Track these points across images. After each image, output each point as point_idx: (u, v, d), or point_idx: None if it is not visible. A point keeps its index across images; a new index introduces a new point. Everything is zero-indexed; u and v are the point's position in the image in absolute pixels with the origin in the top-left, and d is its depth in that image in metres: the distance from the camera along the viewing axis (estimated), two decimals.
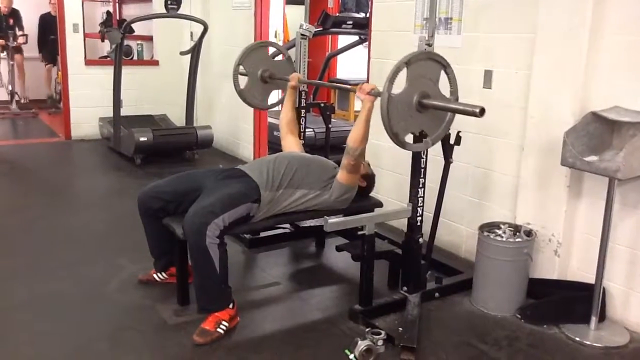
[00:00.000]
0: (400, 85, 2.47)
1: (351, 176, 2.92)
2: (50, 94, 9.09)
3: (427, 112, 2.54)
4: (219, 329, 2.61)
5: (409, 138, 2.63)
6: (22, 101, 8.82)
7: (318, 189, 2.93)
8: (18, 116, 8.40)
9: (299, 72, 3.82)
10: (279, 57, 4.09)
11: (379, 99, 2.52)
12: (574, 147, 2.59)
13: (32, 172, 5.65)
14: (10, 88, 8.56)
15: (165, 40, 7.19)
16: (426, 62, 2.53)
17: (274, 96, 4.07)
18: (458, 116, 3.46)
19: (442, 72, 2.62)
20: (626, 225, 2.77)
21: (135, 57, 7.67)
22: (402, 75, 2.46)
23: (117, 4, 9.13)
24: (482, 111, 2.35)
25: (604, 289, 2.76)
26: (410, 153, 2.79)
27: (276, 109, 4.22)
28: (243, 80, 3.68)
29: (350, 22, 6.29)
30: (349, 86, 3.15)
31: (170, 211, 2.88)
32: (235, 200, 2.69)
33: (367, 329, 2.59)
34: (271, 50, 4.51)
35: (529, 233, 2.98)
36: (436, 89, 2.57)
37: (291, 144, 3.38)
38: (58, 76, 8.18)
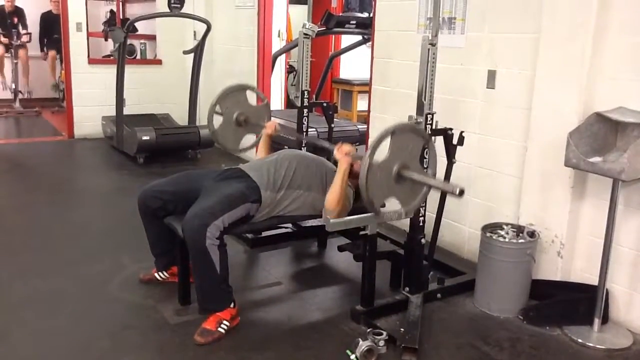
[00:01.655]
0: (381, 153, 2.44)
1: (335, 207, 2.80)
2: (56, 83, 9.06)
3: (404, 184, 2.51)
4: (220, 329, 2.60)
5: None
6: (26, 96, 8.82)
7: (318, 191, 2.92)
8: (21, 114, 8.41)
9: (302, 72, 3.81)
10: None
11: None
12: (578, 148, 2.58)
13: (35, 171, 5.66)
14: (14, 86, 8.57)
15: (168, 40, 7.19)
16: (409, 135, 2.52)
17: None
18: (462, 114, 3.48)
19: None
20: (630, 226, 2.76)
21: (138, 56, 7.67)
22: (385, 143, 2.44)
23: (120, 3, 9.12)
24: (462, 192, 2.35)
25: (607, 290, 2.75)
26: None
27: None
28: (217, 121, 3.50)
29: (354, 22, 6.27)
30: (327, 144, 3.08)
31: (170, 210, 2.87)
32: (235, 201, 2.69)
33: (369, 330, 2.59)
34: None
35: (532, 234, 2.96)
36: (416, 163, 2.56)
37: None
38: (61, 74, 8.19)
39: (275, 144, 3.48)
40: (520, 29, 3.17)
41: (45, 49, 8.95)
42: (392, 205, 2.57)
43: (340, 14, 7.39)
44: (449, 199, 3.01)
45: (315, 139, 3.18)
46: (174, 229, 2.79)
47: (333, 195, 2.73)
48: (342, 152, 2.73)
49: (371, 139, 2.83)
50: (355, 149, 2.77)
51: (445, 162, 2.91)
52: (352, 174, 2.94)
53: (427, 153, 2.66)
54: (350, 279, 3.30)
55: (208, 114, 3.42)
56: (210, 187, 2.81)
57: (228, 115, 3.47)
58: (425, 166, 2.68)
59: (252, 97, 3.65)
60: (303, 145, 3.86)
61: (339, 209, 2.74)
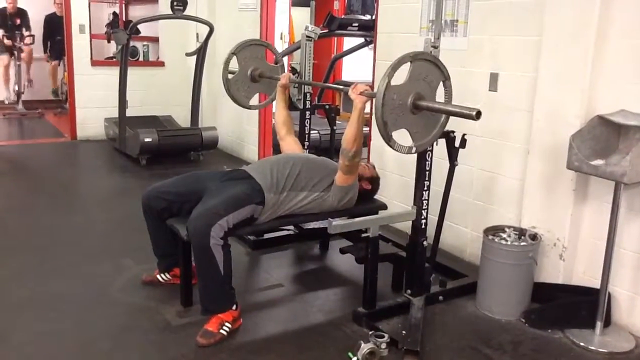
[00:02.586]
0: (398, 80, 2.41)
1: (348, 177, 2.90)
2: (56, 89, 9.10)
3: (419, 115, 2.46)
4: (222, 331, 2.61)
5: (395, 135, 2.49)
6: (29, 86, 8.83)
7: (322, 191, 2.92)
8: (24, 116, 8.43)
9: (304, 74, 3.82)
10: None
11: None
12: (580, 151, 2.58)
13: (38, 172, 5.68)
14: (16, 88, 8.59)
15: (171, 42, 7.21)
16: (430, 65, 2.48)
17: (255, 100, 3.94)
18: (463, 119, 3.47)
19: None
20: (632, 229, 2.75)
21: (141, 58, 7.69)
22: (403, 71, 2.40)
23: (123, 5, 9.17)
24: (479, 114, 2.30)
25: (609, 293, 2.75)
26: (415, 156, 2.78)
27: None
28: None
29: (356, 24, 6.29)
30: (341, 86, 3.07)
31: (174, 212, 2.88)
32: (240, 201, 2.69)
33: (371, 332, 2.58)
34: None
35: (534, 237, 2.96)
36: (433, 95, 2.51)
37: (291, 145, 3.37)
38: (64, 76, 8.21)
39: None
40: (523, 32, 3.17)
41: (48, 51, 8.97)
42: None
43: (343, 17, 7.40)
44: (451, 202, 3.01)
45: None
46: (176, 230, 2.79)
47: (349, 134, 2.76)
48: (356, 92, 2.73)
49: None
50: (368, 87, 2.75)
51: (448, 164, 2.91)
52: (358, 174, 2.95)
53: (445, 89, 2.56)
54: (352, 282, 3.30)
55: (224, 63, 3.48)
56: (215, 188, 2.81)
57: (243, 68, 3.51)
58: (445, 99, 2.57)
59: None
60: (306, 147, 3.87)
61: (355, 148, 2.77)
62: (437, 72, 2.52)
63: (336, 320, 2.85)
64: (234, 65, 3.61)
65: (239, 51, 3.52)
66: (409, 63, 2.40)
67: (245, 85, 3.57)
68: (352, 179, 2.94)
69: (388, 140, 2.38)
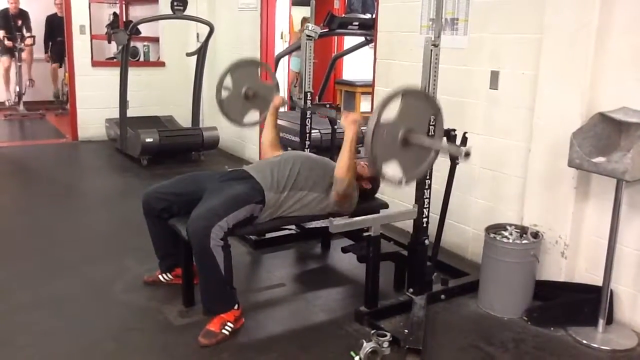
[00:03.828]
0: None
1: (344, 199, 2.89)
2: (57, 92, 9.11)
3: (409, 149, 2.45)
4: (224, 330, 2.61)
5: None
6: (31, 86, 8.84)
7: (322, 191, 2.92)
8: (25, 117, 8.44)
9: (305, 74, 3.82)
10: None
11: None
12: (582, 149, 2.58)
13: (39, 173, 5.68)
14: (17, 89, 8.60)
15: (171, 42, 7.21)
16: (420, 101, 2.48)
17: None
18: (465, 115, 3.48)
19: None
20: (634, 227, 2.75)
21: (141, 59, 7.68)
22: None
23: (123, 6, 9.16)
24: (467, 154, 2.32)
25: (611, 291, 2.74)
26: None
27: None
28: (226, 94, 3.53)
29: (356, 23, 6.27)
30: (333, 114, 3.04)
31: (174, 212, 2.88)
32: (239, 202, 2.69)
33: (373, 331, 2.58)
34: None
35: (535, 235, 2.96)
36: (423, 130, 2.52)
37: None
38: (65, 77, 8.21)
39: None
40: (523, 30, 3.16)
41: (49, 52, 8.98)
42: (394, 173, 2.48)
43: (343, 15, 7.40)
44: (452, 200, 3.00)
45: (321, 107, 3.17)
46: (178, 230, 2.79)
47: (343, 163, 2.76)
48: (348, 120, 2.73)
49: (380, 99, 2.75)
50: (359, 117, 2.75)
51: (449, 162, 2.91)
52: (357, 175, 2.95)
53: (434, 123, 2.58)
54: (354, 281, 3.30)
55: (217, 83, 3.45)
56: (215, 188, 2.81)
57: (237, 87, 3.49)
58: (431, 133, 2.60)
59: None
60: (307, 147, 3.87)
61: (349, 178, 2.77)
62: (428, 106, 2.52)
63: (338, 320, 2.84)
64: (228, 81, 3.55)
65: (234, 70, 3.49)
66: (400, 98, 2.39)
67: (239, 103, 3.53)
68: (348, 199, 2.93)
69: (378, 173, 2.42)
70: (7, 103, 8.80)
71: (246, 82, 3.50)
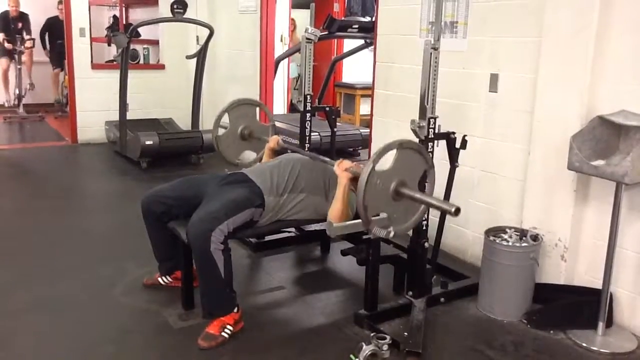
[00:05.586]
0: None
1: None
2: (58, 98, 9.13)
3: (400, 201, 2.44)
4: (223, 333, 2.61)
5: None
6: (30, 89, 8.85)
7: (321, 194, 2.92)
8: (25, 120, 8.44)
9: (305, 77, 3.82)
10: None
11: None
12: (581, 151, 2.58)
13: (38, 176, 5.68)
14: (17, 92, 8.61)
15: (171, 44, 7.22)
16: (415, 153, 2.47)
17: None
18: (465, 117, 3.48)
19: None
20: (634, 229, 2.75)
21: (141, 61, 7.70)
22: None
23: (123, 8, 9.18)
24: (457, 210, 2.31)
25: (611, 294, 2.74)
26: None
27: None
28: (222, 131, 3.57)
29: (356, 26, 6.29)
30: (328, 160, 3.02)
31: (174, 215, 2.88)
32: (239, 205, 2.69)
33: (372, 334, 2.58)
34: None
35: (535, 237, 2.96)
36: (414, 184, 2.50)
37: None
38: (65, 80, 8.22)
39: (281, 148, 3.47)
40: (522, 33, 3.17)
41: (48, 54, 8.98)
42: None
43: (343, 19, 7.41)
44: (452, 202, 3.00)
45: (316, 155, 3.18)
46: (177, 233, 2.79)
47: (335, 210, 2.71)
48: (341, 168, 2.73)
49: (376, 147, 2.71)
50: (353, 165, 2.76)
51: (448, 166, 2.91)
52: (354, 178, 2.94)
53: (427, 178, 2.58)
54: (354, 283, 3.30)
55: (215, 121, 3.48)
56: (214, 191, 2.81)
57: (234, 125, 3.51)
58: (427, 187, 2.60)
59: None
60: (306, 150, 3.86)
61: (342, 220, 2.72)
62: (422, 160, 2.51)
63: (338, 322, 2.84)
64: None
65: (231, 109, 3.50)
66: (395, 150, 2.39)
67: (235, 142, 3.55)
68: (343, 218, 2.81)
69: (367, 224, 2.37)
70: (6, 104, 8.80)
71: (243, 121, 3.53)
